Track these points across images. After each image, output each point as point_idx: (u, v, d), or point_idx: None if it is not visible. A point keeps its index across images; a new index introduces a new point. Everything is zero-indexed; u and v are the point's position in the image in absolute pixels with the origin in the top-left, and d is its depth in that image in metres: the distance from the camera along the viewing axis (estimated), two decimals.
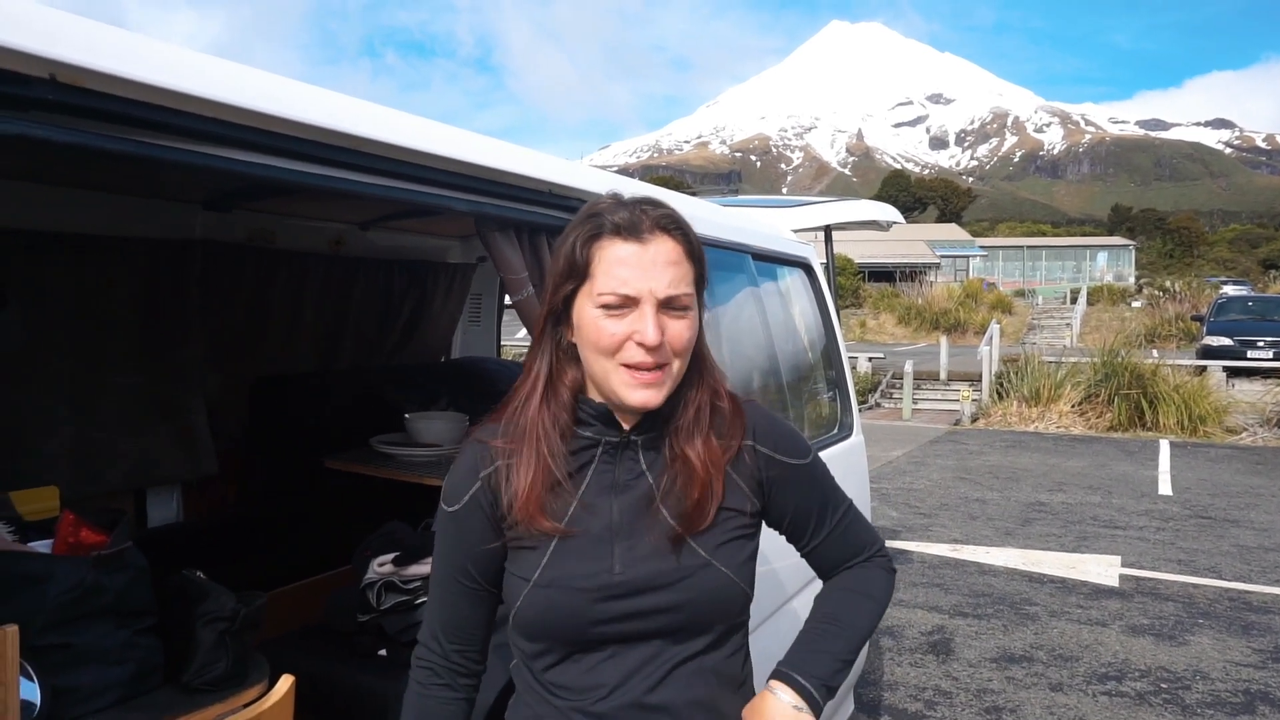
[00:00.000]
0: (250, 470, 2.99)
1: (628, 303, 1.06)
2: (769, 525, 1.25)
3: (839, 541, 1.26)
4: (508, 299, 4.23)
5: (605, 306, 1.06)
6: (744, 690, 1.20)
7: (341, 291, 3.26)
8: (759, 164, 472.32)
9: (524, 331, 1.81)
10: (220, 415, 2.85)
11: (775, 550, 2.11)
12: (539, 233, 1.76)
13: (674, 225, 1.10)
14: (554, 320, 1.12)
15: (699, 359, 1.15)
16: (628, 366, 1.06)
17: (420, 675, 1.18)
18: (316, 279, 3.15)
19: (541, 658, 1.10)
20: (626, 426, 1.13)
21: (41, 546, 1.39)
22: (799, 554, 1.29)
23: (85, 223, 2.33)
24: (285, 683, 1.43)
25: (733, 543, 1.14)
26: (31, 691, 1.17)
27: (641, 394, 1.07)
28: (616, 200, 1.12)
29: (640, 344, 1.05)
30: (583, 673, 1.08)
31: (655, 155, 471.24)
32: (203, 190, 2.50)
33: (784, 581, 2.39)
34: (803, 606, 2.54)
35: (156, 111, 1.10)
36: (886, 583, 1.27)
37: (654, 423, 1.13)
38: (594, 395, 1.13)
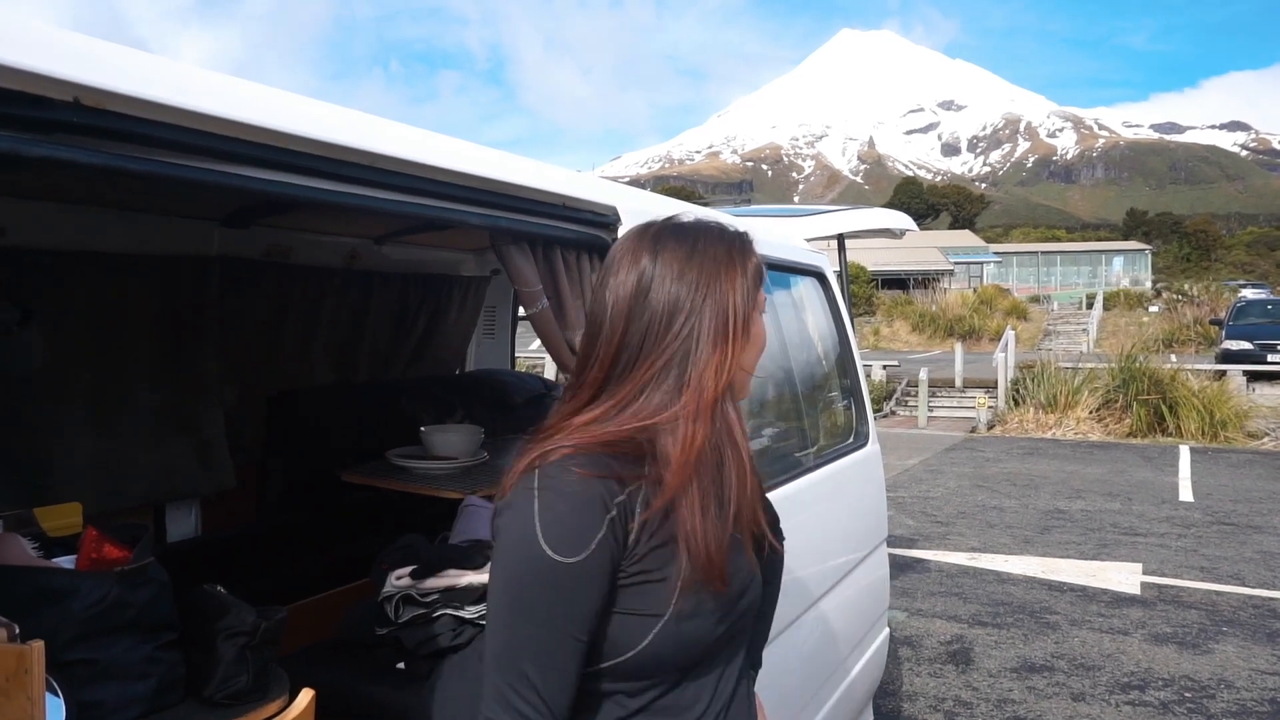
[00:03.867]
0: (268, 484, 3.01)
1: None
2: None
3: None
4: (522, 311, 4.25)
5: (761, 312, 1.13)
6: None
7: (357, 305, 3.29)
8: (770, 173, 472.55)
9: (538, 343, 1.82)
10: (238, 429, 2.87)
11: (797, 557, 2.09)
12: (553, 246, 1.77)
13: None
14: (742, 334, 1.10)
15: None
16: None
17: None
18: (332, 293, 3.18)
19: (647, 693, 1.04)
20: None
21: (65, 562, 1.41)
22: None
23: (105, 241, 2.36)
24: (305, 696, 1.44)
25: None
26: (56, 707, 1.18)
27: (750, 386, 1.15)
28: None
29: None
30: (682, 692, 1.06)
31: (667, 165, 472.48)
32: (220, 208, 2.53)
33: (810, 588, 2.39)
34: (823, 615, 2.54)
35: (177, 132, 1.12)
36: (783, 560, 1.41)
37: None
38: None
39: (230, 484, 2.76)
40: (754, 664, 1.33)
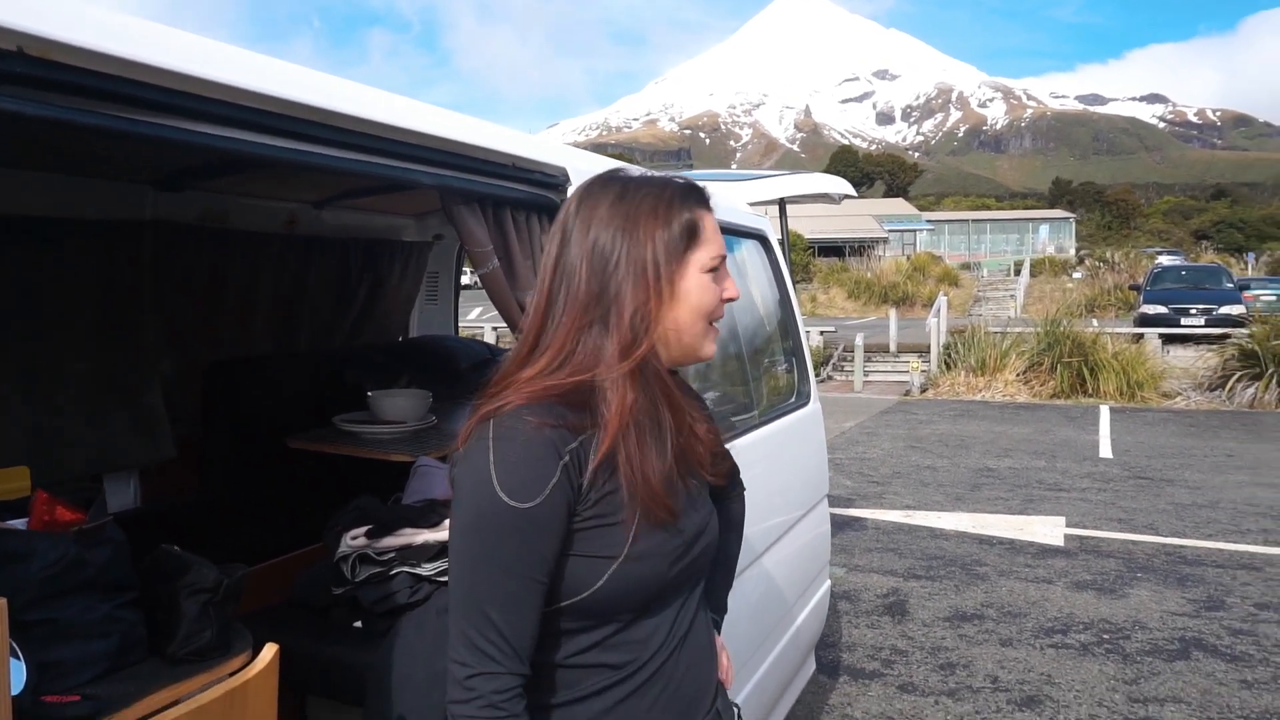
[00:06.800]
0: (209, 454, 2.96)
1: (721, 264, 1.14)
2: None
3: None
4: (466, 276, 4.22)
5: (712, 270, 1.12)
6: None
7: (297, 272, 3.23)
8: (708, 141, 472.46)
9: (476, 312, 1.83)
10: (177, 399, 2.81)
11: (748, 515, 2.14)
12: (503, 206, 1.77)
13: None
14: (665, 289, 1.10)
15: None
16: (715, 323, 1.15)
17: (512, 706, 1.00)
18: (271, 260, 3.12)
19: (603, 628, 1.08)
20: None
21: (17, 524, 1.39)
22: None
23: (32, 204, 2.28)
24: (269, 651, 1.45)
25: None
26: (17, 668, 1.17)
27: (713, 346, 1.16)
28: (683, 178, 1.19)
29: (730, 299, 1.14)
30: (639, 628, 1.10)
31: (605, 133, 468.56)
32: (153, 170, 2.46)
33: (755, 543, 2.46)
34: (768, 568, 2.61)
35: (125, 84, 1.10)
36: (744, 508, 1.50)
37: None
38: None
39: (170, 454, 2.71)
40: (717, 609, 1.38)
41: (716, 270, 1.13)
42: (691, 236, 1.10)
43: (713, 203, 1.17)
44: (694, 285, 1.09)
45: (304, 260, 3.24)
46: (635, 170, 1.21)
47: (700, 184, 1.17)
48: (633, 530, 1.04)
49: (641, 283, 1.06)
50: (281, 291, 3.21)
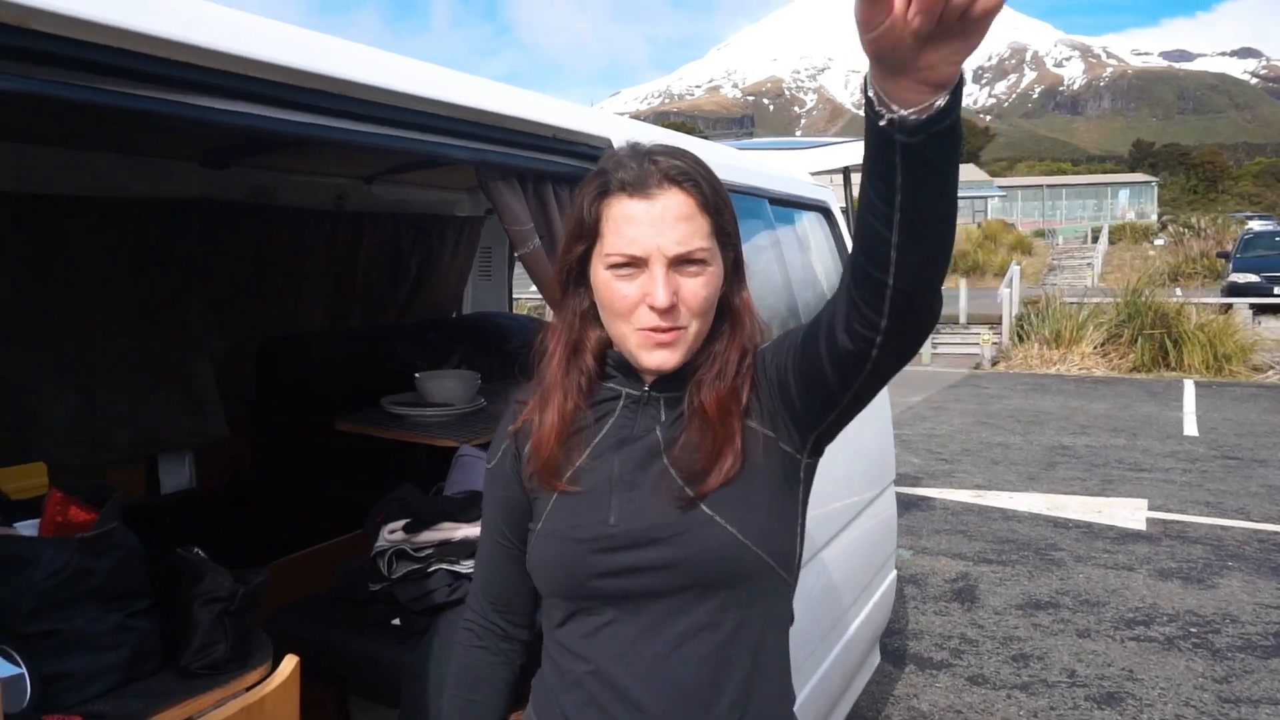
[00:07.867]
0: (262, 433, 2.94)
1: (637, 263, 0.99)
2: (815, 375, 0.99)
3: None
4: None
5: (614, 268, 1.00)
6: (769, 675, 1.06)
7: (347, 248, 3.19)
8: (772, 107, 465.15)
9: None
10: (228, 378, 2.79)
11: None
12: (544, 181, 1.66)
13: (684, 177, 1.00)
14: (573, 282, 1.08)
15: (733, 313, 1.07)
16: (642, 329, 1.00)
17: (463, 636, 1.19)
18: (321, 236, 3.07)
19: (551, 615, 1.09)
20: (648, 381, 1.07)
21: (29, 526, 1.34)
22: (832, 336, 0.94)
23: (75, 184, 2.25)
24: (289, 663, 1.38)
25: (747, 498, 1.02)
26: (20, 679, 1.12)
27: (657, 355, 1.00)
28: (629, 152, 1.04)
29: (652, 307, 0.98)
30: (586, 635, 1.03)
31: (667, 101, 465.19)
32: (199, 147, 2.41)
33: (814, 535, 2.33)
34: (830, 561, 2.48)
35: (150, 62, 1.02)
36: None
37: (679, 379, 1.06)
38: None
39: (222, 434, 2.69)
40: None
41: (627, 270, 0.99)
42: (583, 233, 1.04)
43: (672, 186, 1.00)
44: (599, 281, 1.03)
45: (354, 236, 3.19)
46: (651, 140, 1.09)
47: (624, 163, 1.01)
48: (548, 506, 1.07)
49: (558, 277, 1.09)
50: (332, 268, 3.17)
